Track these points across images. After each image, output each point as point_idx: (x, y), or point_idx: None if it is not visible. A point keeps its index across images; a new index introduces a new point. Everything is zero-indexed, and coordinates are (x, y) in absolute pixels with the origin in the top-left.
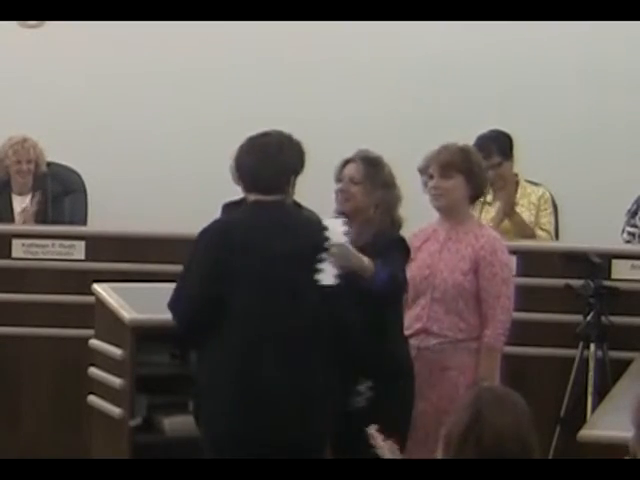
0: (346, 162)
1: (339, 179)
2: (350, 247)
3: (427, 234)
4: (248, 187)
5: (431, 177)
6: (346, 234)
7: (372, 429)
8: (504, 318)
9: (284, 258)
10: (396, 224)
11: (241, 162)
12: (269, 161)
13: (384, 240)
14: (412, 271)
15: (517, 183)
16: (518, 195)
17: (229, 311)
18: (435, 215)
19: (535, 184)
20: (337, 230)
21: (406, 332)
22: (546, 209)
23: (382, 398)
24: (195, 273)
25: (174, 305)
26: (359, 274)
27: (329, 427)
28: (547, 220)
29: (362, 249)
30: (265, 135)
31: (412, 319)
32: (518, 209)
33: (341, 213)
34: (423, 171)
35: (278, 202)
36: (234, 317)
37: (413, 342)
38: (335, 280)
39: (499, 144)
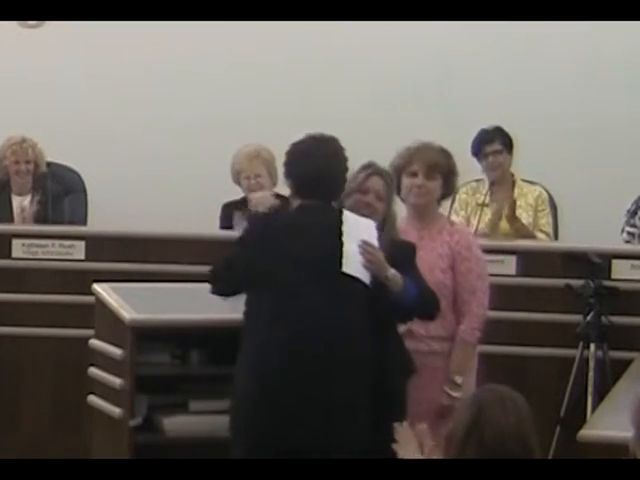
0: (369, 174)
1: (362, 191)
2: (381, 251)
3: None
4: (303, 193)
5: (414, 175)
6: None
7: (399, 424)
8: (479, 312)
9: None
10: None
11: (298, 169)
12: (330, 169)
13: (399, 250)
14: None
15: (514, 183)
16: (515, 195)
17: (257, 312)
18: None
19: (531, 183)
20: (371, 232)
21: None
22: (544, 209)
23: (388, 397)
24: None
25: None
26: (387, 284)
27: (357, 434)
28: (546, 221)
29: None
30: (320, 141)
31: None
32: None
33: None
34: (402, 168)
35: (330, 206)
36: (262, 317)
37: None
38: (368, 279)
39: (502, 136)
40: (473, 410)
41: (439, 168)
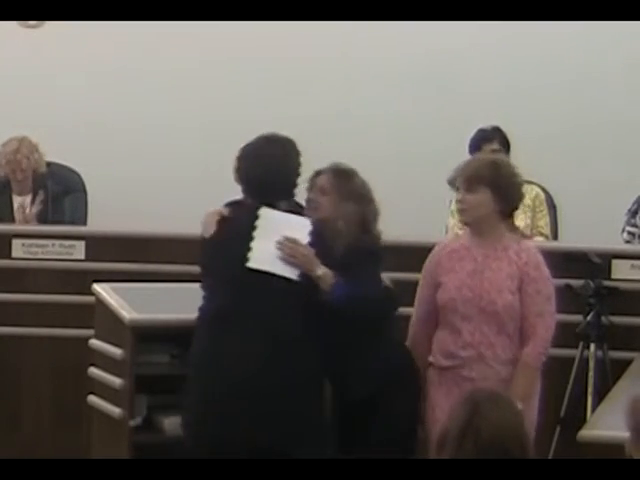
0: (318, 173)
1: (308, 188)
2: (308, 248)
3: (460, 253)
4: (251, 194)
5: (458, 189)
6: (311, 237)
7: None
8: (546, 337)
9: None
10: (374, 238)
11: (247, 172)
12: (279, 170)
13: (356, 253)
14: (450, 293)
15: None
16: None
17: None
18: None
19: (528, 182)
20: (301, 229)
21: (449, 362)
22: (542, 210)
23: (381, 407)
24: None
25: None
26: (317, 282)
27: (300, 427)
28: (544, 222)
29: (332, 261)
30: (269, 141)
31: (458, 346)
32: None
33: None
34: (451, 184)
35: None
36: (211, 314)
37: (464, 373)
38: (296, 276)
39: (500, 136)
40: (468, 409)
41: (481, 179)
